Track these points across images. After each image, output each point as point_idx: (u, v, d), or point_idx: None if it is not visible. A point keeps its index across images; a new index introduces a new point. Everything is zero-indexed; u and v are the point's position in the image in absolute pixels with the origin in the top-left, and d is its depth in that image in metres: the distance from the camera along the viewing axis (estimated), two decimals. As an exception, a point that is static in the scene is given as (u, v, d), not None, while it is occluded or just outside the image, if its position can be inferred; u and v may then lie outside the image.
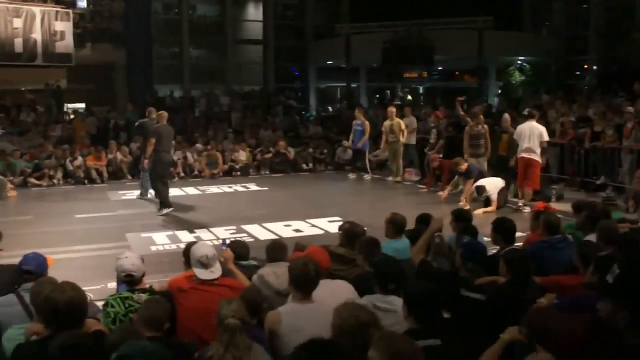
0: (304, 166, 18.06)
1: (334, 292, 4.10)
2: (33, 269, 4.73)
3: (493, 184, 11.38)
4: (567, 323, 2.69)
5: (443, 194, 12.46)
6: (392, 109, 15.83)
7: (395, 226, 5.90)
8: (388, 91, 30.38)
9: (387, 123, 15.54)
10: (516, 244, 5.61)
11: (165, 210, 11.46)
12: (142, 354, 1.86)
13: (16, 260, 5.29)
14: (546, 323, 2.80)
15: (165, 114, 12.22)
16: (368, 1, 27.53)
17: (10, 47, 19.33)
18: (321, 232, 9.86)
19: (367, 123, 16.14)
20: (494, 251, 5.68)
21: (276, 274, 4.79)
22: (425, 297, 3.58)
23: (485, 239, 6.19)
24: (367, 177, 16.17)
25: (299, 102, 28.00)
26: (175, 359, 3.02)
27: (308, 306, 3.94)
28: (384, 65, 25.04)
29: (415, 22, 23.18)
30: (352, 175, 16.52)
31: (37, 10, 19.80)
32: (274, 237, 9.05)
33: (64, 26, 20.19)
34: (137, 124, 14.39)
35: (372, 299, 3.98)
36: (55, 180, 15.61)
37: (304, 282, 3.99)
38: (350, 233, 5.47)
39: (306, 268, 3.99)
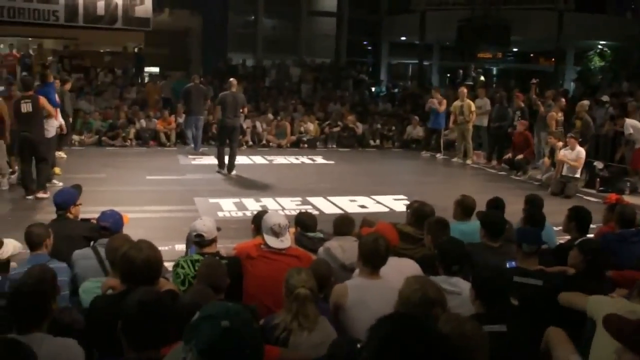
0: (372, 142, 18.02)
1: (401, 270, 4.08)
2: (110, 225, 4.93)
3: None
4: None
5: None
6: (464, 90, 15.59)
7: (464, 208, 5.84)
8: (460, 71, 29.85)
9: (457, 103, 15.33)
10: (589, 235, 5.48)
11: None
12: (226, 315, 1.90)
13: (92, 216, 5.52)
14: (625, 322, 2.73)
15: (234, 81, 12.68)
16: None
17: (93, 10, 19.85)
18: (386, 209, 9.84)
19: (444, 101, 15.97)
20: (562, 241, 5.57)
21: (343, 248, 4.80)
22: (494, 282, 3.54)
23: (556, 228, 6.08)
24: (439, 156, 16.09)
25: (369, 77, 27.82)
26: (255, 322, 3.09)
27: (375, 282, 3.94)
28: (458, 44, 24.54)
29: (493, 1, 22.61)
30: (425, 154, 16.47)
31: (119, -25, 20.24)
32: (339, 211, 9.11)
33: (144, -9, 20.57)
34: (184, 89, 15.23)
35: (437, 279, 3.95)
36: (127, 142, 16.05)
37: (373, 258, 3.98)
38: (420, 212, 5.43)
39: (377, 244, 3.98)
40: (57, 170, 11.04)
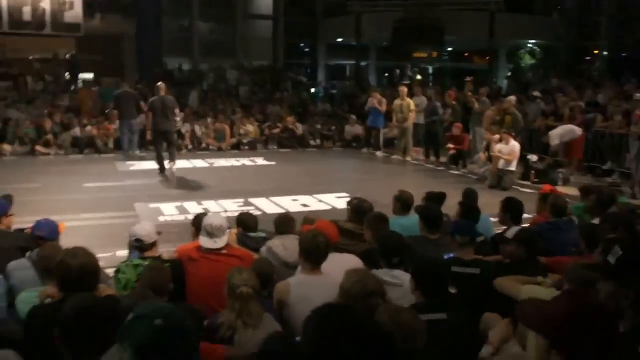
0: (312, 142, 18.10)
1: (343, 265, 4.13)
2: (45, 234, 4.82)
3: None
4: (552, 303, 2.72)
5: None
6: (404, 89, 15.87)
7: (403, 203, 5.94)
8: (397, 70, 30.25)
9: (397, 102, 15.57)
10: (523, 225, 5.64)
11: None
12: (159, 313, 1.90)
13: (26, 226, 5.39)
14: (531, 307, 2.83)
15: (162, 85, 12.88)
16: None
17: (18, 15, 19.25)
18: (328, 207, 9.89)
19: (384, 100, 16.22)
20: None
21: (284, 246, 4.84)
22: (432, 272, 3.64)
23: (493, 219, 6.23)
24: (379, 154, 16.35)
25: (308, 78, 27.94)
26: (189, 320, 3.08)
27: (317, 277, 4.01)
28: (394, 44, 24.90)
29: (427, 2, 23.03)
30: (365, 151, 16.76)
31: (46, -22, 19.73)
32: (281, 210, 9.09)
33: (74, -4, 20.11)
34: (114, 95, 15.47)
35: (378, 272, 4.03)
36: (62, 150, 15.66)
37: (313, 254, 4.06)
38: (358, 209, 5.53)
39: (316, 240, 4.06)
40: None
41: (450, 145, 14.22)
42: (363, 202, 5.68)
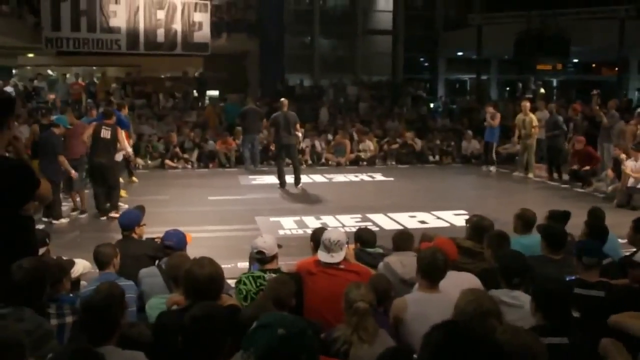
0: (431, 158, 17.93)
1: (460, 283, 4.07)
2: (174, 244, 5.07)
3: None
4: None
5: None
6: (526, 104, 15.30)
7: (525, 222, 5.75)
8: (520, 84, 29.44)
9: (519, 117, 15.11)
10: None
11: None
12: (282, 323, 1.97)
13: (156, 236, 5.70)
14: None
15: (285, 101, 13.14)
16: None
17: (153, 37, 20.52)
18: (447, 224, 9.77)
19: (498, 115, 15.85)
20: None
21: (402, 263, 4.82)
22: (555, 294, 3.50)
23: (622, 240, 5.93)
24: (492, 169, 15.96)
25: (427, 93, 27.74)
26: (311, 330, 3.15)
27: (434, 295, 3.96)
28: (517, 57, 24.29)
29: (551, 12, 22.27)
30: (485, 168, 16.35)
31: (178, 2, 20.85)
32: (399, 227, 9.08)
33: (202, 17, 21.11)
34: (241, 111, 16.12)
35: (498, 293, 3.94)
36: (189, 164, 16.44)
37: (432, 271, 4.02)
38: (478, 226, 5.41)
39: (435, 257, 4.02)
40: (123, 193, 11.38)
41: (575, 166, 13.58)
42: (483, 219, 5.55)
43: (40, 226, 8.76)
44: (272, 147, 13.53)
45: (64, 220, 9.96)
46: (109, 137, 10.15)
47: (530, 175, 14.86)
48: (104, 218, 10.07)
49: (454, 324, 2.25)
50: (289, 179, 13.04)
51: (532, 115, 14.88)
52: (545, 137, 14.77)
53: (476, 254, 5.15)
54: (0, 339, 2.62)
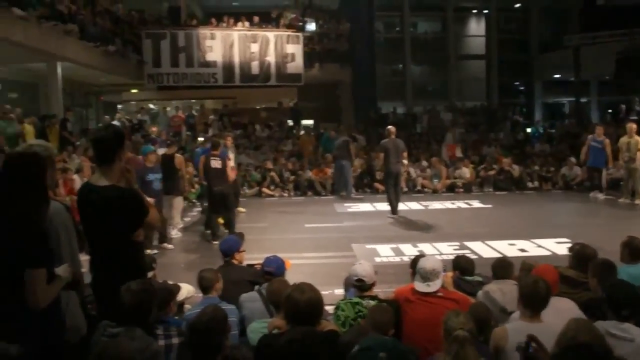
0: (530, 184, 17.44)
1: (558, 310, 3.97)
2: (274, 270, 5.16)
3: None
4: None
5: None
6: (633, 125, 14.57)
7: (632, 250, 5.45)
8: (623, 105, 28.29)
9: (624, 140, 14.46)
10: None
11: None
12: (384, 347, 1.96)
13: (256, 262, 5.79)
14: None
15: (392, 129, 13.23)
16: (599, 9, 25.99)
17: (248, 70, 21.24)
18: (548, 253, 9.43)
19: (607, 140, 15.11)
20: None
21: (502, 291, 4.73)
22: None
23: None
24: (600, 196, 15.22)
25: (524, 117, 27.12)
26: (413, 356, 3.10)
27: (536, 325, 3.81)
28: (618, 77, 23.40)
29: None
30: (599, 196, 15.39)
31: (271, 35, 21.51)
32: (497, 255, 8.83)
33: (295, 49, 21.64)
34: (337, 142, 16.35)
35: (606, 325, 3.74)
36: (285, 192, 16.69)
37: (533, 300, 3.88)
38: (582, 255, 5.19)
39: (537, 286, 3.89)
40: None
41: None
42: (586, 248, 5.31)
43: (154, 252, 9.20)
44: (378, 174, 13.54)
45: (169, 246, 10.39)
46: (219, 166, 10.66)
47: (638, 201, 14.14)
48: (217, 242, 10.27)
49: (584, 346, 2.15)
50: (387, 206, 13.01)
51: (637, 138, 14.20)
52: None
53: (580, 284, 4.93)
54: (115, 355, 2.73)
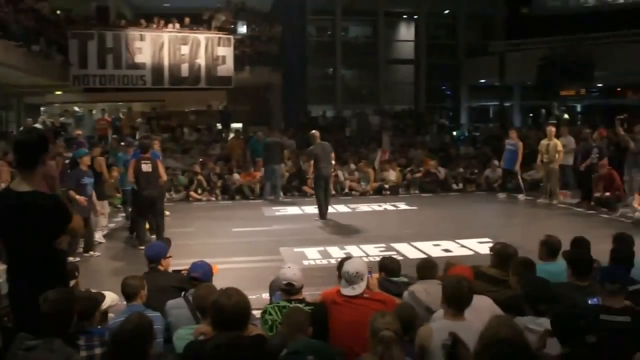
0: (454, 186, 17.89)
1: (477, 307, 4.11)
2: (200, 275, 5.13)
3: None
4: None
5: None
6: (552, 129, 15.18)
7: (549, 248, 5.72)
8: (543, 110, 29.36)
9: (544, 142, 15.02)
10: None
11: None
12: (311, 350, 2.01)
13: (182, 267, 5.75)
14: None
15: (317, 133, 13.22)
16: (523, 18, 26.91)
17: (177, 72, 20.94)
18: (471, 252, 9.74)
19: (520, 143, 15.76)
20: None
21: (427, 291, 4.84)
22: (569, 319, 3.52)
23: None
24: (521, 197, 15.78)
25: (450, 121, 27.77)
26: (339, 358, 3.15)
27: (460, 323, 3.94)
28: (540, 83, 24.23)
29: (575, 37, 22.24)
30: (502, 196, 16.22)
31: (202, 37, 21.29)
32: (423, 256, 9.05)
33: (226, 51, 21.47)
34: (264, 142, 16.50)
35: (524, 320, 3.93)
36: (213, 196, 16.57)
37: (457, 299, 4.02)
38: (502, 254, 5.40)
39: (460, 285, 4.02)
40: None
41: (598, 193, 13.41)
42: (507, 247, 5.53)
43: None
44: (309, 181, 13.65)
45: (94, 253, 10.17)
46: (150, 170, 10.47)
47: (555, 202, 14.74)
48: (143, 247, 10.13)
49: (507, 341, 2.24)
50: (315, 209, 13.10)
51: (556, 140, 14.78)
52: (584, 166, 14.47)
53: (501, 282, 5.12)
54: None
